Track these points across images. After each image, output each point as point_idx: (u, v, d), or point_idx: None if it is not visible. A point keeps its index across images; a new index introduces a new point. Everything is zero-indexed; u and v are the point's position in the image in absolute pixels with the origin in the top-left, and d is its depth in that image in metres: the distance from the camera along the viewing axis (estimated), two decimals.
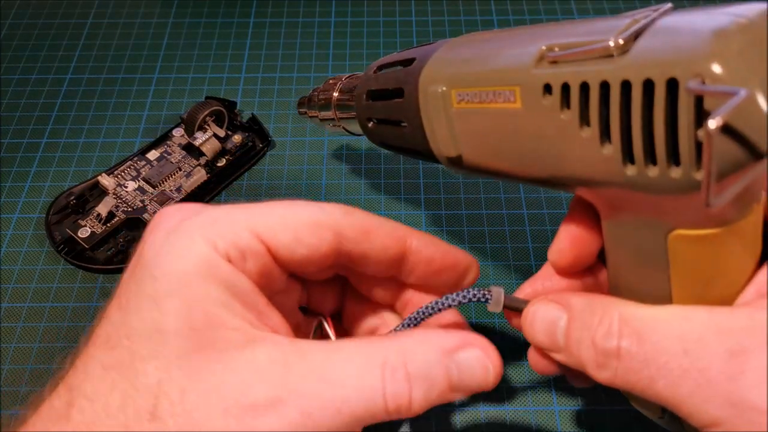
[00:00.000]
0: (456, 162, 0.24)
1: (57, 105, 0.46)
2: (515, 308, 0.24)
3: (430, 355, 0.20)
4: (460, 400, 0.32)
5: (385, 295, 0.26)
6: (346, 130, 0.34)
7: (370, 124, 0.29)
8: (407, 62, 0.26)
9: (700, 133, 0.16)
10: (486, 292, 0.24)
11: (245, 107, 0.45)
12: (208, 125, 0.41)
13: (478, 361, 0.21)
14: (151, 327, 0.19)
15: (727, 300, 0.20)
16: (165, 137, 0.43)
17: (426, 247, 0.24)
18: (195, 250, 0.20)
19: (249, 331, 0.20)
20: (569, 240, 0.23)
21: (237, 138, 0.42)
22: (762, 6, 0.17)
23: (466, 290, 0.24)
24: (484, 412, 0.32)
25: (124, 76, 0.48)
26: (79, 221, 0.38)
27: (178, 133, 0.43)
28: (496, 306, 0.24)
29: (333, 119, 0.34)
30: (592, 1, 0.53)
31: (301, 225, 0.22)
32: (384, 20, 0.51)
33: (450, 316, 0.26)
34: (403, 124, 0.26)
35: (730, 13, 0.17)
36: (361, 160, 0.42)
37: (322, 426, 0.19)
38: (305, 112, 0.37)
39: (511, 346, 0.34)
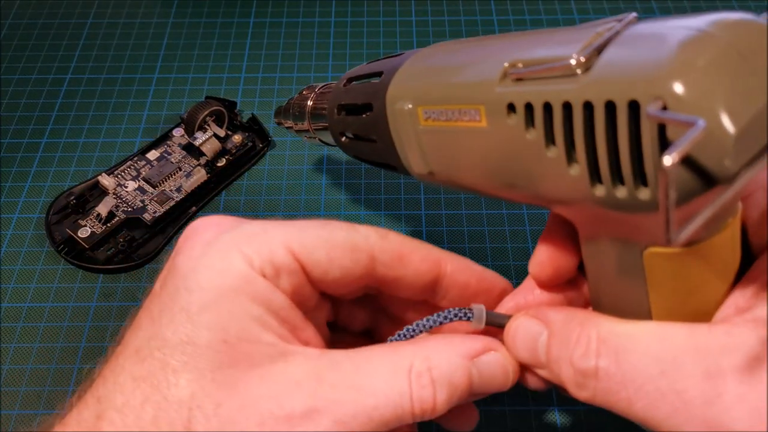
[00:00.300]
0: (428, 178, 0.24)
1: (57, 105, 0.46)
2: (498, 324, 0.24)
3: (453, 360, 0.21)
4: None
5: (415, 316, 0.25)
6: (322, 141, 0.34)
7: (344, 138, 0.29)
8: (376, 75, 0.26)
9: (672, 173, 0.15)
10: (467, 311, 0.24)
11: (245, 107, 0.45)
12: (208, 125, 0.41)
13: (498, 364, 0.22)
14: (184, 340, 0.19)
15: (707, 315, 0.20)
16: (165, 137, 0.43)
17: (461, 272, 0.24)
18: (231, 265, 0.20)
19: (281, 345, 0.20)
20: (548, 253, 0.23)
21: (237, 138, 0.42)
22: (726, 16, 0.16)
23: (447, 310, 0.24)
24: (484, 412, 0.32)
25: (124, 76, 0.48)
26: (79, 221, 0.39)
27: (178, 133, 0.43)
28: (478, 323, 0.24)
29: (308, 130, 0.33)
30: (592, 1, 0.53)
31: (336, 246, 0.22)
32: (384, 20, 0.51)
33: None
34: (374, 140, 0.26)
35: (694, 27, 0.16)
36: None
37: None
38: (281, 122, 0.36)
39: None
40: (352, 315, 0.27)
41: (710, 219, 0.15)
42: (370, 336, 0.28)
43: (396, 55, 0.26)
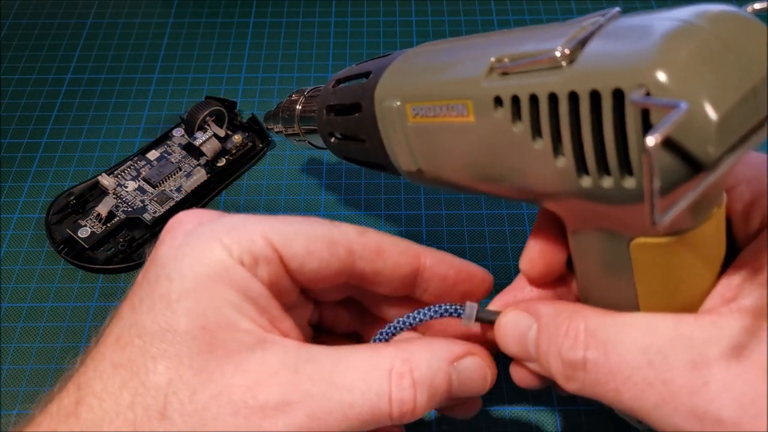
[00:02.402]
0: (417, 176, 0.24)
1: (57, 105, 0.46)
2: (488, 320, 0.24)
3: (434, 363, 0.21)
4: None
5: (398, 315, 0.26)
6: (312, 145, 0.34)
7: (333, 139, 0.29)
8: (364, 76, 0.26)
9: (654, 154, 0.15)
10: (458, 307, 0.24)
11: (245, 107, 0.45)
12: (208, 125, 0.41)
13: (477, 369, 0.22)
14: (163, 327, 0.19)
15: (694, 305, 0.20)
16: (165, 137, 0.43)
17: (439, 264, 0.24)
18: (211, 253, 0.20)
19: (260, 334, 0.20)
20: (538, 249, 0.23)
21: (237, 138, 0.42)
22: (709, 8, 0.16)
23: (439, 305, 0.24)
24: (484, 411, 0.32)
25: (124, 76, 0.48)
26: (79, 221, 0.39)
27: (178, 133, 0.43)
28: (468, 320, 0.24)
29: (297, 134, 0.33)
30: (591, 1, 0.53)
31: (315, 239, 0.22)
32: (384, 20, 0.51)
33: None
34: (363, 140, 0.26)
35: (677, 18, 0.16)
36: None
37: (328, 429, 0.19)
38: (272, 128, 0.36)
39: None
40: (337, 316, 0.27)
41: (694, 204, 0.16)
42: (356, 339, 0.28)
43: (384, 56, 0.26)
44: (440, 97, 0.21)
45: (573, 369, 0.20)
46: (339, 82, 0.28)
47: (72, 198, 0.39)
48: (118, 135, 0.44)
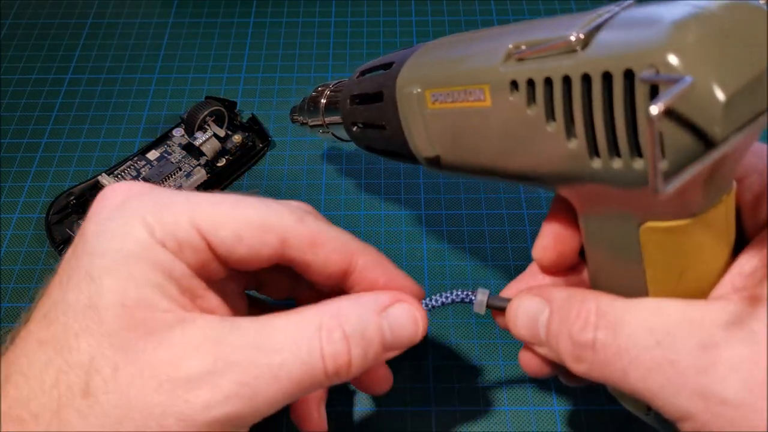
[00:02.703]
0: (434, 162, 0.25)
1: (57, 105, 0.46)
2: (499, 307, 0.24)
3: (364, 315, 0.21)
4: (459, 399, 0.32)
5: (333, 287, 0.25)
6: (335, 136, 0.34)
7: (355, 128, 0.29)
8: (387, 66, 0.26)
9: (657, 123, 0.16)
10: (470, 293, 0.24)
11: (245, 107, 0.45)
12: (208, 125, 0.41)
13: (407, 315, 0.22)
14: (85, 303, 0.19)
15: (702, 292, 0.20)
16: (165, 137, 0.43)
17: (372, 268, 0.24)
18: (133, 231, 0.20)
19: (180, 313, 0.20)
20: (551, 237, 0.23)
21: (237, 138, 0.42)
22: None
23: (450, 291, 0.25)
24: (484, 411, 0.32)
25: (124, 76, 0.48)
26: (79, 221, 0.39)
27: (178, 133, 0.43)
28: (480, 307, 0.24)
29: (322, 125, 0.34)
30: (591, 1, 0.53)
31: (245, 224, 0.22)
32: (384, 20, 0.51)
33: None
34: (384, 127, 0.26)
35: (691, 4, 0.17)
36: (361, 160, 0.42)
37: (260, 394, 0.19)
38: (297, 120, 0.37)
39: (511, 346, 0.34)
40: (275, 283, 0.27)
41: (701, 182, 0.17)
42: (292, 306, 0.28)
43: (406, 49, 0.27)
44: (459, 83, 0.22)
45: (582, 349, 0.20)
46: (363, 73, 0.29)
47: (72, 198, 0.39)
48: (118, 135, 0.44)
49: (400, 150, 0.26)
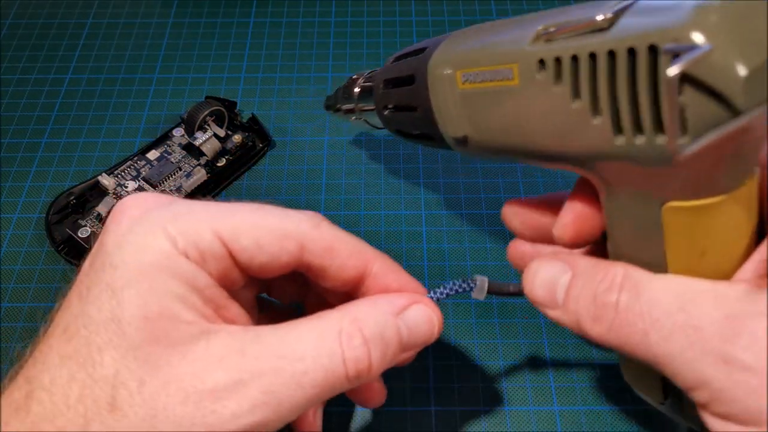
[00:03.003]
0: (463, 142, 0.25)
1: (57, 105, 0.46)
2: (501, 293, 0.26)
3: (381, 317, 0.22)
4: (458, 399, 0.32)
5: (340, 297, 0.26)
6: (368, 123, 0.36)
7: (386, 112, 0.30)
8: (419, 51, 0.27)
9: (682, 98, 0.17)
10: (470, 281, 0.26)
11: (245, 107, 0.45)
12: (208, 125, 0.41)
13: (423, 316, 0.23)
14: (108, 317, 0.19)
15: (724, 275, 0.20)
16: (165, 137, 0.43)
17: (385, 276, 0.24)
18: (154, 242, 0.20)
19: (203, 324, 0.20)
20: (572, 215, 0.24)
21: (237, 138, 0.42)
22: None
23: (449, 282, 0.26)
24: (484, 411, 0.32)
25: (124, 76, 0.48)
26: (79, 221, 0.39)
27: (178, 132, 0.43)
28: (480, 293, 0.26)
29: (354, 110, 0.35)
30: (591, 2, 0.53)
31: (265, 232, 0.22)
32: (384, 20, 0.51)
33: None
34: (415, 109, 0.27)
35: None
36: (361, 160, 0.42)
37: (285, 401, 0.19)
38: (330, 107, 0.38)
39: (511, 346, 0.34)
40: (283, 288, 0.27)
41: (732, 161, 0.17)
42: (299, 309, 0.28)
43: (439, 36, 0.27)
44: (488, 63, 0.22)
45: (603, 309, 0.20)
46: (397, 59, 0.30)
47: (72, 198, 0.39)
48: (118, 135, 0.44)
49: (429, 131, 0.27)
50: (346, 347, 0.20)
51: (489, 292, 0.26)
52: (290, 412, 0.20)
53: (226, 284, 0.22)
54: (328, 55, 0.49)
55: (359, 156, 0.42)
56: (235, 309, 0.22)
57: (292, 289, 0.28)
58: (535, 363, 0.33)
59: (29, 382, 0.19)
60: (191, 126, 0.41)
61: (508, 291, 0.26)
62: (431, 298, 0.25)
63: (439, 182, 0.41)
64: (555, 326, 0.34)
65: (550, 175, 0.41)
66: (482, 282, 0.26)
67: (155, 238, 0.20)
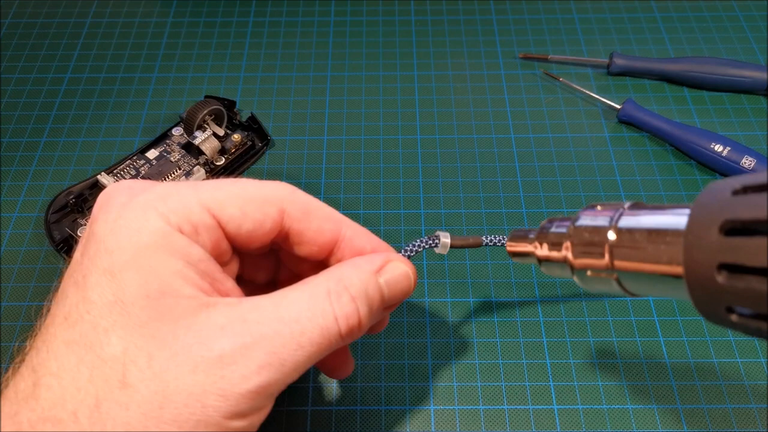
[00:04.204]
0: None
1: (56, 104, 0.46)
2: (462, 246, 0.29)
3: (364, 276, 0.23)
4: (457, 398, 0.32)
5: (314, 270, 0.27)
6: (626, 291, 0.20)
7: (735, 317, 0.16)
8: None
9: None
10: (434, 237, 0.28)
11: (244, 106, 0.45)
12: (208, 124, 0.41)
13: (400, 271, 0.25)
14: (111, 299, 0.20)
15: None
16: (164, 136, 0.43)
17: (358, 238, 0.25)
18: (148, 223, 0.21)
19: (202, 297, 0.21)
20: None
21: (236, 137, 0.42)
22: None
23: (418, 239, 0.28)
24: (484, 411, 0.32)
25: (124, 75, 0.48)
26: (78, 220, 0.38)
27: (178, 132, 0.43)
28: (444, 248, 0.28)
29: (605, 270, 0.20)
30: (591, 1, 0.53)
31: (247, 200, 0.23)
32: (383, 20, 0.51)
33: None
34: None
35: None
36: (361, 160, 0.42)
37: (288, 361, 0.20)
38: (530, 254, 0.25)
39: (511, 345, 0.34)
40: (258, 267, 0.28)
41: None
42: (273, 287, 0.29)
43: None
44: None
45: None
46: (747, 189, 0.16)
47: (71, 197, 0.39)
48: (117, 134, 0.44)
49: None
50: (336, 305, 0.21)
51: (452, 246, 0.28)
52: (293, 371, 0.21)
53: (217, 257, 0.23)
54: (327, 54, 0.49)
55: (358, 155, 0.42)
56: (228, 283, 0.23)
57: (266, 267, 0.28)
58: (534, 362, 0.33)
59: (35, 371, 0.20)
60: (190, 125, 0.41)
61: (468, 243, 0.29)
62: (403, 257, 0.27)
63: (438, 181, 0.41)
64: (555, 325, 0.34)
65: (550, 175, 0.41)
66: (445, 237, 0.28)
67: (147, 219, 0.21)
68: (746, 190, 0.16)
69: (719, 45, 0.49)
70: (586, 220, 0.21)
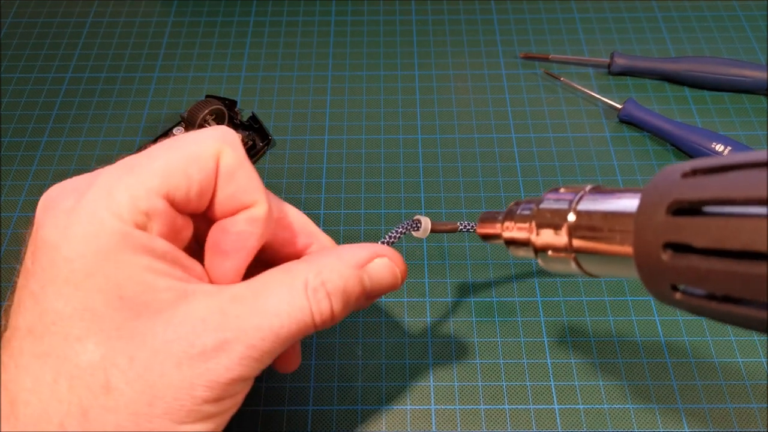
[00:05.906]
0: None
1: (57, 104, 0.46)
2: (442, 231, 0.29)
3: (344, 271, 0.23)
4: (458, 398, 0.32)
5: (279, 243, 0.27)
6: (584, 271, 0.21)
7: (678, 295, 0.16)
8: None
9: None
10: (415, 222, 0.28)
11: (245, 106, 0.45)
12: (209, 124, 0.41)
13: (386, 268, 0.25)
14: (79, 308, 0.19)
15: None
16: (165, 136, 0.43)
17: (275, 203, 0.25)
18: (104, 226, 0.20)
19: (179, 287, 0.21)
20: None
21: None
22: None
23: (399, 225, 0.28)
24: (484, 411, 0.32)
25: (125, 74, 0.48)
26: None
27: (179, 131, 0.43)
28: (425, 232, 0.28)
29: (563, 249, 0.21)
30: (591, 1, 0.53)
31: (190, 160, 0.21)
32: (384, 19, 0.51)
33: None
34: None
35: None
36: (361, 159, 0.42)
37: (266, 351, 0.21)
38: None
39: (511, 345, 0.34)
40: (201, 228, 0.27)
41: None
42: None
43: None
44: None
45: None
46: (696, 172, 0.16)
47: None
48: (118, 134, 0.44)
49: None
50: (312, 301, 0.22)
51: (432, 231, 0.28)
52: (270, 358, 0.21)
53: (176, 234, 0.22)
54: (328, 54, 0.49)
55: (359, 155, 0.42)
56: (198, 267, 0.23)
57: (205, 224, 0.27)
58: (535, 362, 0.33)
59: (8, 389, 0.19)
60: (191, 124, 0.41)
61: (446, 228, 0.29)
62: (384, 242, 0.27)
63: (438, 181, 0.41)
64: (555, 325, 0.34)
65: (551, 174, 0.41)
66: (425, 222, 0.28)
67: (102, 222, 0.20)
68: (695, 172, 0.16)
69: (720, 45, 0.49)
70: (549, 202, 0.22)
